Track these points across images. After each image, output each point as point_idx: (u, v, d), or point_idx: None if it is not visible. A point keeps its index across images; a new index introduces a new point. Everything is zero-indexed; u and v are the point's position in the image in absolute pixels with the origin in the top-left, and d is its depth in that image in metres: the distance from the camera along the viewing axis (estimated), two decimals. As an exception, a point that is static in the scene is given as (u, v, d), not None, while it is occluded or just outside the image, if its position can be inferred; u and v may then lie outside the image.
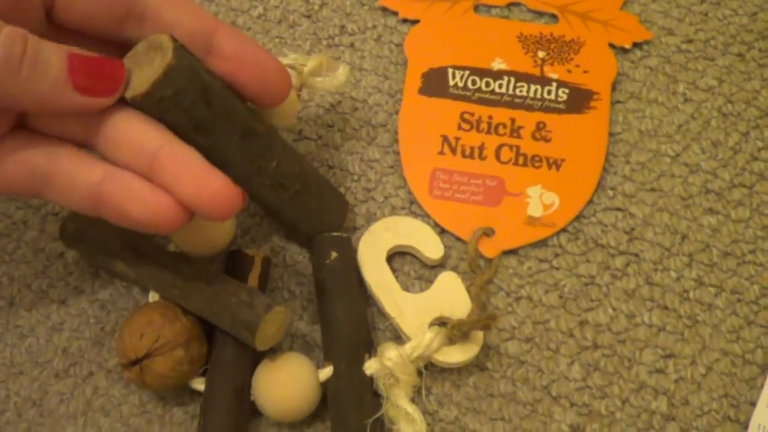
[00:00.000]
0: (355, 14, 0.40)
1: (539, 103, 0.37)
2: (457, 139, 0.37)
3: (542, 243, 0.35)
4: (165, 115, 0.27)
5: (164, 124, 0.28)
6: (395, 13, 0.40)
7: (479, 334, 0.32)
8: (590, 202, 0.36)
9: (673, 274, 0.34)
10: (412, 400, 0.31)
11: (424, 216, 0.36)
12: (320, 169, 0.37)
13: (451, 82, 0.38)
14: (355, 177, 0.37)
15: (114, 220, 0.28)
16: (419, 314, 0.32)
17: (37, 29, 0.27)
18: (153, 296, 0.32)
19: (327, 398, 0.31)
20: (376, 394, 0.31)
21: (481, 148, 0.36)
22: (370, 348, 0.32)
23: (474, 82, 0.38)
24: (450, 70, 0.38)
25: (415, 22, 0.40)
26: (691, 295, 0.34)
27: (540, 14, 0.40)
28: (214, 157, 0.28)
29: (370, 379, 0.31)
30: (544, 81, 0.38)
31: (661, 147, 0.37)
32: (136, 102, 0.27)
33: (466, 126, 0.37)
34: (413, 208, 0.36)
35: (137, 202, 0.27)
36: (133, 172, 0.27)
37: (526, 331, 0.34)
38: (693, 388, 0.33)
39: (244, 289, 0.30)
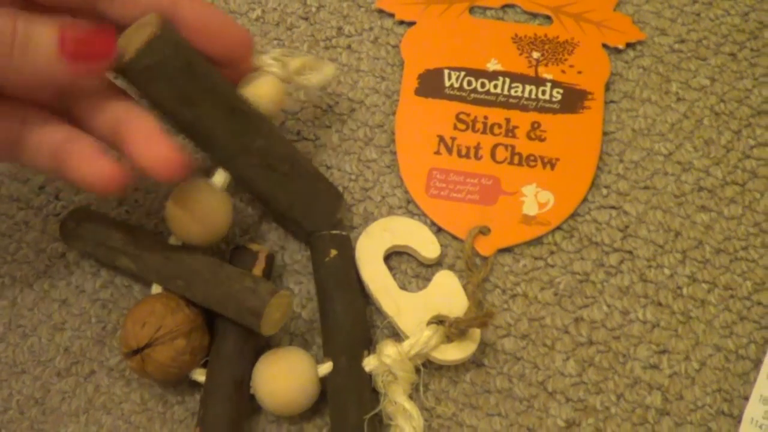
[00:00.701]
0: (352, 16, 0.40)
1: (534, 104, 0.38)
2: (453, 139, 0.37)
3: (537, 241, 0.35)
4: (150, 86, 0.29)
5: (149, 97, 0.29)
6: (392, 15, 0.40)
7: (476, 332, 0.32)
8: (584, 200, 0.36)
9: (666, 270, 0.35)
10: (410, 397, 0.31)
11: (421, 215, 0.36)
12: (318, 169, 0.37)
13: (447, 83, 0.38)
14: (353, 177, 0.37)
15: (71, 181, 0.29)
16: (417, 313, 0.32)
17: (15, 6, 0.28)
18: (156, 290, 0.32)
19: (326, 395, 0.31)
20: (375, 392, 0.32)
21: (477, 147, 0.37)
22: (369, 345, 0.32)
23: (469, 83, 0.38)
24: (446, 71, 0.38)
25: (411, 23, 0.40)
26: (684, 291, 0.34)
27: (534, 15, 0.40)
28: (198, 131, 0.30)
29: (369, 376, 0.31)
30: (538, 81, 0.38)
31: (655, 146, 0.37)
32: (122, 70, 0.28)
33: (461, 126, 0.37)
34: (410, 208, 0.36)
35: (87, 162, 0.28)
36: (98, 136, 0.29)
37: (521, 328, 0.34)
38: (687, 383, 0.33)
39: (248, 276, 0.31)
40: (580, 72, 0.38)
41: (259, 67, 0.33)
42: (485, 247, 0.35)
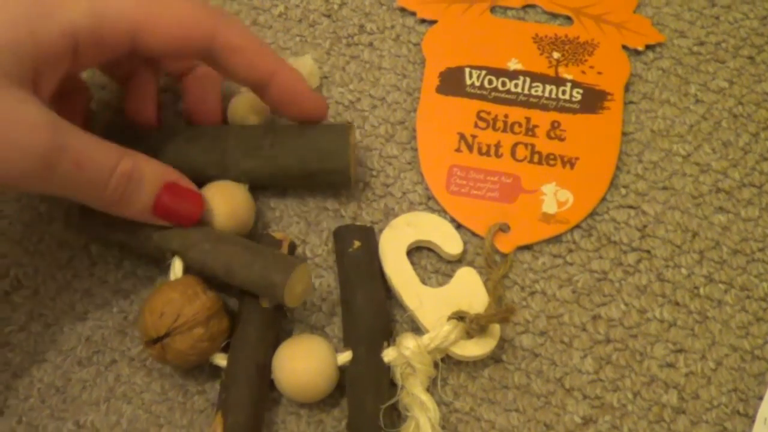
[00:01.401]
0: (374, 14, 0.41)
1: (554, 103, 0.38)
2: (474, 137, 0.37)
3: (556, 239, 0.36)
4: None
5: None
6: (413, 14, 0.41)
7: (496, 329, 0.32)
8: (603, 199, 0.36)
9: (684, 270, 0.35)
10: (428, 391, 0.31)
11: (441, 211, 0.36)
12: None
13: (468, 82, 0.39)
14: (374, 173, 0.37)
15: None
16: (438, 307, 0.33)
17: (123, 58, 0.31)
18: (173, 276, 0.33)
19: (344, 385, 0.32)
20: (393, 384, 0.32)
21: (497, 146, 0.37)
22: (389, 336, 0.32)
23: (490, 82, 0.39)
24: (467, 70, 0.39)
25: (432, 22, 0.40)
26: (701, 291, 0.35)
27: (555, 16, 0.41)
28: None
29: (388, 367, 0.31)
30: (558, 81, 0.39)
31: (673, 147, 0.38)
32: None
33: (482, 124, 0.38)
34: (430, 204, 0.37)
35: None
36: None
37: (540, 325, 0.34)
38: (703, 383, 0.33)
39: (272, 247, 0.32)
40: (600, 73, 0.39)
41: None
42: (505, 244, 0.35)
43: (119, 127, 0.35)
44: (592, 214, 0.36)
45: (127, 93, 0.35)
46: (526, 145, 0.37)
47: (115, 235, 0.34)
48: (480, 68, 0.39)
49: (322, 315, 0.35)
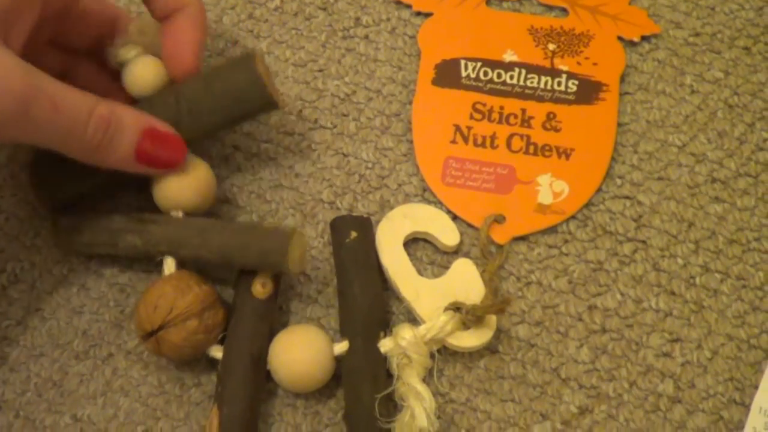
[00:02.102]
0: (369, 7, 0.41)
1: (549, 94, 0.38)
2: (469, 128, 0.37)
3: (552, 230, 0.36)
4: None
5: None
6: (409, 6, 0.41)
7: (492, 320, 0.32)
8: (599, 190, 0.36)
9: (679, 260, 0.35)
10: (424, 381, 0.31)
11: (437, 203, 0.36)
12: (335, 156, 0.37)
13: (464, 73, 0.39)
14: (370, 165, 0.37)
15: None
16: (435, 298, 0.33)
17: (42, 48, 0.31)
18: (167, 271, 0.33)
19: (341, 376, 0.32)
20: (389, 374, 0.32)
21: (493, 137, 0.37)
22: (385, 327, 0.32)
23: (486, 74, 0.39)
24: (462, 62, 0.39)
25: (428, 14, 0.40)
26: (697, 281, 0.35)
27: (550, 8, 0.41)
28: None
29: (385, 358, 0.32)
30: (554, 73, 0.39)
31: (669, 137, 0.38)
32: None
33: (477, 116, 0.38)
34: (426, 196, 0.37)
35: None
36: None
37: (536, 315, 0.34)
38: (699, 372, 0.33)
39: (262, 223, 0.32)
40: (595, 64, 0.39)
41: (126, 59, 0.34)
42: (500, 235, 0.35)
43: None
44: (588, 205, 0.36)
45: (163, 35, 0.34)
46: (521, 136, 0.37)
47: (98, 248, 0.34)
48: (475, 60, 0.39)
49: (319, 306, 0.35)
